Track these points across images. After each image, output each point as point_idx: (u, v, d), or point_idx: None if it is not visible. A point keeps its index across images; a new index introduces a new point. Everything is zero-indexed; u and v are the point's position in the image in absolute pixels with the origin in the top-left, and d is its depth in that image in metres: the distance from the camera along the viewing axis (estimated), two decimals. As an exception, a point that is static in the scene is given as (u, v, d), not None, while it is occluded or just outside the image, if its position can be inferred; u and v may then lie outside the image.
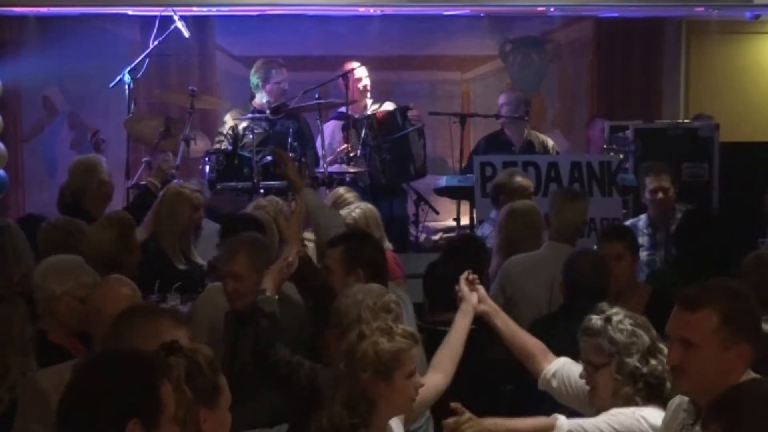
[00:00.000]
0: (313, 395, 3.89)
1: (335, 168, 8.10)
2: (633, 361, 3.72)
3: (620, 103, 10.37)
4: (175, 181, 7.25)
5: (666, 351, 3.38)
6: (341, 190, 6.75)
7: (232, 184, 7.85)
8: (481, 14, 10.27)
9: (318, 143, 8.34)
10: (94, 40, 9.81)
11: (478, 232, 7.23)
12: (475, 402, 4.67)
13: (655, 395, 3.68)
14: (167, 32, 8.72)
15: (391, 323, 3.68)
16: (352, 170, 8.13)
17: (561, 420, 3.82)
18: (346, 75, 8.51)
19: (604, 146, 8.63)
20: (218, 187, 7.78)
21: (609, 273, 5.20)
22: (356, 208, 6.00)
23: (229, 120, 8.53)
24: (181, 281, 5.82)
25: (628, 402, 3.71)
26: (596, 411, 3.86)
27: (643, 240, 7.12)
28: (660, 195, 7.21)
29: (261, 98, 8.51)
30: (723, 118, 8.92)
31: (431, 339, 4.72)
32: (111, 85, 8.64)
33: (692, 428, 3.21)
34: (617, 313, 3.81)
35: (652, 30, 10.60)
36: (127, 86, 8.51)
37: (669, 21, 10.63)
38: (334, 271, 4.65)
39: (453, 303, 5.02)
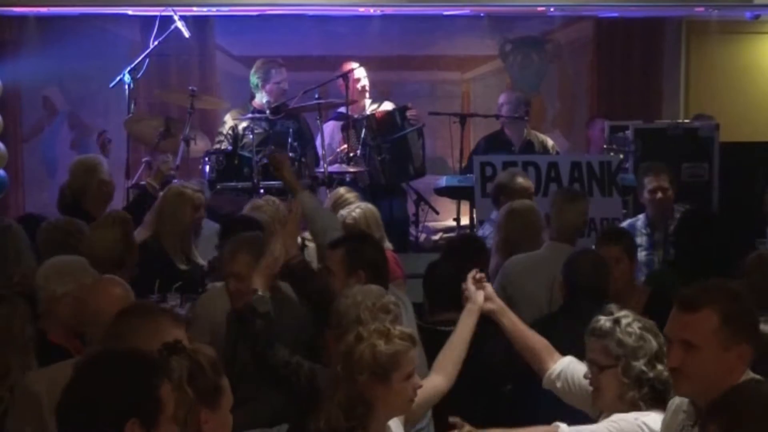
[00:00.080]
0: (312, 396, 3.89)
1: (335, 168, 8.10)
2: (640, 365, 3.69)
3: (620, 103, 10.37)
4: (175, 181, 7.25)
5: None
6: (342, 190, 6.76)
7: (232, 184, 7.85)
8: (481, 14, 10.27)
9: (318, 143, 8.34)
10: (94, 40, 9.81)
11: (479, 233, 7.23)
12: (475, 402, 4.69)
13: (659, 400, 3.65)
14: (167, 32, 8.72)
15: (389, 325, 3.66)
16: (351, 170, 8.13)
17: (562, 428, 3.81)
18: (346, 75, 8.52)
19: (604, 146, 8.63)
20: (218, 187, 7.78)
21: (609, 273, 5.20)
22: (356, 208, 6.00)
23: (229, 120, 8.53)
24: (182, 281, 5.83)
25: (633, 406, 3.69)
26: (599, 412, 3.85)
27: (641, 240, 7.12)
28: (659, 195, 7.20)
29: (261, 98, 8.51)
30: (723, 118, 8.92)
31: (431, 339, 4.72)
32: (111, 85, 8.64)
33: (692, 429, 3.20)
34: (626, 316, 3.79)
35: (652, 30, 10.60)
36: (127, 86, 8.52)
37: (669, 21, 10.63)
38: (336, 273, 4.64)
39: (453, 303, 5.03)
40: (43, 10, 9.60)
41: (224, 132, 8.47)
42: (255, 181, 7.73)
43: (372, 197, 7.56)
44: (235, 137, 8.28)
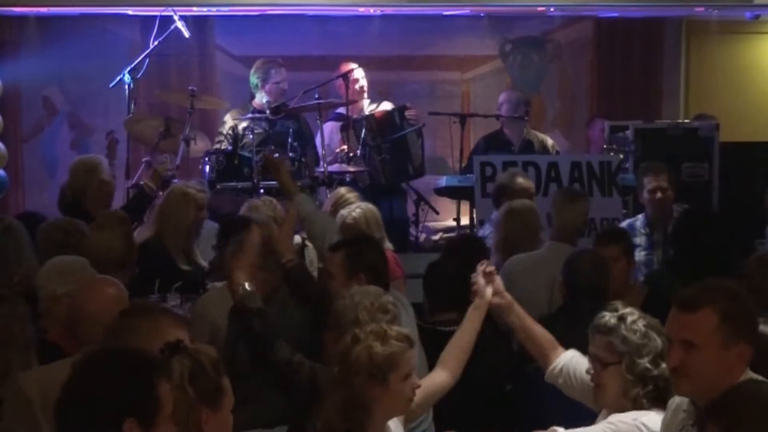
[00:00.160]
0: (313, 395, 3.89)
1: (335, 168, 8.10)
2: (644, 362, 3.67)
3: (620, 103, 10.37)
4: (175, 181, 7.25)
5: None
6: (343, 190, 6.76)
7: (232, 184, 7.85)
8: (481, 14, 10.27)
9: (318, 143, 8.34)
10: (94, 40, 9.81)
11: (479, 233, 7.23)
12: (475, 402, 4.69)
13: (662, 399, 3.62)
14: (167, 32, 8.72)
15: (385, 326, 3.65)
16: (351, 170, 8.13)
17: None
18: (346, 75, 8.52)
19: (604, 146, 8.63)
20: (218, 187, 7.78)
21: (609, 273, 5.20)
22: (357, 208, 6.00)
23: (229, 120, 8.53)
24: (184, 282, 5.83)
25: (636, 403, 3.67)
26: (600, 409, 3.85)
27: (640, 240, 7.12)
28: (658, 195, 7.20)
29: (261, 98, 8.51)
30: (723, 118, 8.92)
31: (431, 339, 4.72)
32: (111, 85, 8.64)
33: (692, 428, 3.20)
34: (631, 313, 3.76)
35: (652, 30, 10.60)
36: (127, 86, 8.51)
37: (669, 21, 10.63)
38: (336, 276, 4.65)
39: (453, 303, 5.03)
40: (43, 10, 9.60)
41: (224, 132, 8.47)
42: (255, 181, 7.73)
43: (372, 197, 7.56)
44: (235, 137, 8.29)
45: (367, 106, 8.94)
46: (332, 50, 9.95)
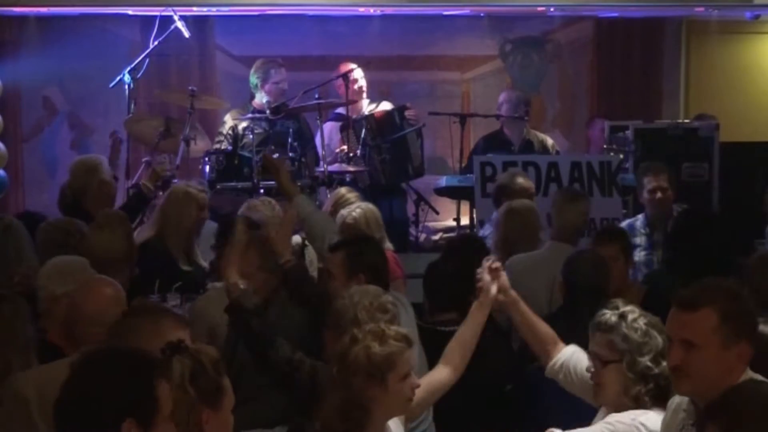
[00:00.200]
0: (314, 393, 3.88)
1: (335, 168, 8.10)
2: (645, 360, 3.65)
3: (620, 103, 10.38)
4: (175, 181, 7.26)
5: None
6: (343, 190, 6.76)
7: (232, 184, 7.85)
8: (481, 14, 10.27)
9: (318, 143, 8.34)
10: (94, 40, 9.81)
11: (480, 233, 7.23)
12: (475, 402, 4.69)
13: (663, 397, 3.60)
14: (167, 32, 8.72)
15: (383, 326, 3.63)
16: (351, 170, 8.13)
17: None
18: (346, 75, 8.52)
19: (604, 146, 8.63)
20: (218, 187, 7.78)
21: (609, 273, 5.20)
22: (357, 208, 6.00)
23: (229, 120, 8.53)
24: (185, 282, 5.82)
25: (637, 401, 3.65)
26: (600, 407, 3.84)
27: (640, 240, 7.13)
28: (659, 195, 7.20)
29: (261, 98, 8.51)
30: (723, 118, 8.92)
31: (431, 339, 4.72)
32: (111, 85, 8.64)
33: (692, 428, 3.21)
34: (632, 311, 3.74)
35: (652, 30, 10.60)
36: (127, 86, 8.52)
37: (669, 21, 10.64)
38: (336, 276, 4.65)
39: (453, 303, 5.03)
40: (43, 10, 9.60)
41: (224, 132, 8.47)
42: (255, 181, 7.73)
43: (372, 197, 7.56)
44: (235, 137, 8.28)
45: (367, 106, 8.94)
46: (332, 50, 9.95)
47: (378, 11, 9.95)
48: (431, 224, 9.07)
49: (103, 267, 4.82)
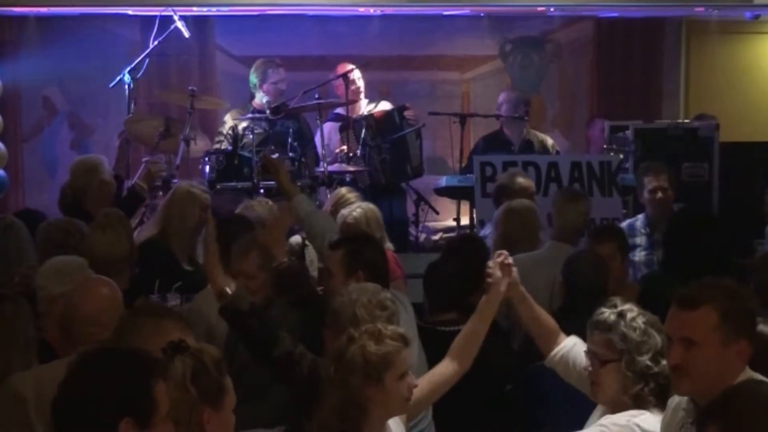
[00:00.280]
0: (312, 389, 3.87)
1: (335, 168, 8.10)
2: (644, 359, 3.63)
3: (620, 103, 10.38)
4: (175, 181, 7.25)
5: None
6: (343, 190, 6.75)
7: (232, 184, 7.85)
8: (481, 14, 10.28)
9: (318, 143, 8.34)
10: (94, 40, 9.81)
11: (481, 233, 7.23)
12: (475, 402, 4.69)
13: (664, 396, 3.58)
14: (167, 32, 8.72)
15: (380, 326, 3.61)
16: (351, 170, 8.13)
17: None
18: (346, 76, 8.52)
19: (604, 146, 8.63)
20: (218, 187, 7.78)
21: (609, 273, 5.20)
22: (357, 208, 6.00)
23: (229, 120, 8.53)
24: (187, 282, 5.82)
25: (638, 401, 3.63)
26: (599, 405, 3.83)
27: (641, 240, 7.13)
28: (659, 195, 7.20)
29: (260, 98, 8.52)
30: (723, 118, 8.93)
31: (431, 339, 4.72)
32: (111, 85, 8.64)
33: (692, 427, 3.20)
34: (631, 310, 3.71)
35: (652, 30, 10.60)
36: (127, 86, 8.52)
37: (669, 21, 10.64)
38: (335, 274, 4.64)
39: (453, 303, 5.04)
40: (43, 10, 9.60)
41: (224, 132, 8.47)
42: (255, 181, 7.73)
43: (372, 197, 7.56)
44: (235, 137, 8.28)
45: (366, 106, 8.95)
46: (332, 50, 9.95)
47: (378, 11, 9.95)
48: (431, 224, 9.06)
49: (105, 267, 4.83)
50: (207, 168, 7.94)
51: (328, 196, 7.22)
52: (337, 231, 5.48)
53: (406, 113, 8.60)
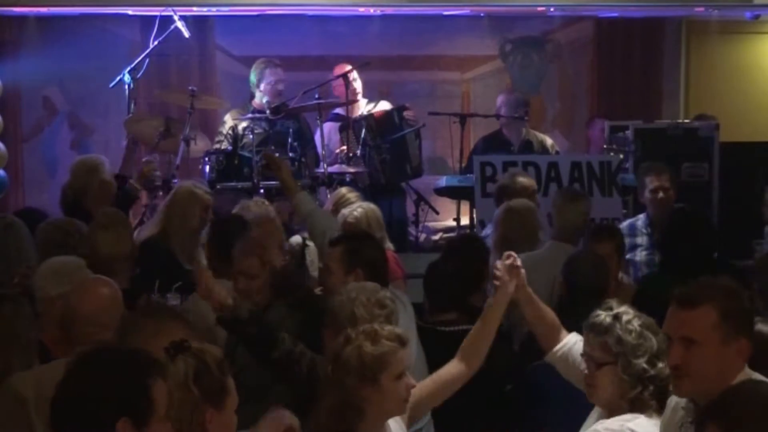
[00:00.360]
0: (312, 387, 3.87)
1: (335, 168, 8.10)
2: (641, 362, 3.61)
3: (620, 103, 10.38)
4: (175, 180, 7.25)
5: None
6: (344, 190, 6.76)
7: (232, 184, 7.85)
8: (481, 14, 10.28)
9: (318, 143, 8.34)
10: (94, 40, 9.81)
11: (481, 233, 7.23)
12: (475, 402, 4.69)
13: (662, 400, 3.56)
14: (167, 32, 8.72)
15: (377, 326, 3.60)
16: (351, 170, 8.13)
17: None
18: (346, 76, 8.52)
19: (604, 146, 8.63)
20: (218, 187, 7.78)
21: (609, 273, 5.20)
22: (358, 208, 6.00)
23: (229, 120, 8.53)
24: (187, 281, 5.82)
25: (636, 404, 3.62)
26: (595, 408, 3.83)
27: (642, 240, 7.12)
28: (660, 195, 7.20)
29: (260, 98, 8.52)
30: (723, 118, 8.92)
31: (431, 339, 4.72)
32: (111, 85, 8.64)
33: (692, 426, 3.20)
34: (626, 312, 3.70)
35: (652, 30, 10.60)
36: (127, 86, 8.52)
37: (669, 21, 10.64)
38: (334, 271, 4.65)
39: (453, 303, 5.04)
40: (43, 10, 9.60)
41: (224, 132, 8.47)
42: (255, 181, 7.73)
43: (372, 197, 7.56)
44: (235, 137, 8.28)
45: (364, 106, 8.95)
46: (332, 50, 9.95)
47: (378, 11, 9.95)
48: (431, 224, 9.07)
49: (107, 266, 4.83)
50: (207, 168, 7.94)
51: (328, 196, 7.22)
52: (338, 230, 5.49)
53: (406, 113, 8.60)
